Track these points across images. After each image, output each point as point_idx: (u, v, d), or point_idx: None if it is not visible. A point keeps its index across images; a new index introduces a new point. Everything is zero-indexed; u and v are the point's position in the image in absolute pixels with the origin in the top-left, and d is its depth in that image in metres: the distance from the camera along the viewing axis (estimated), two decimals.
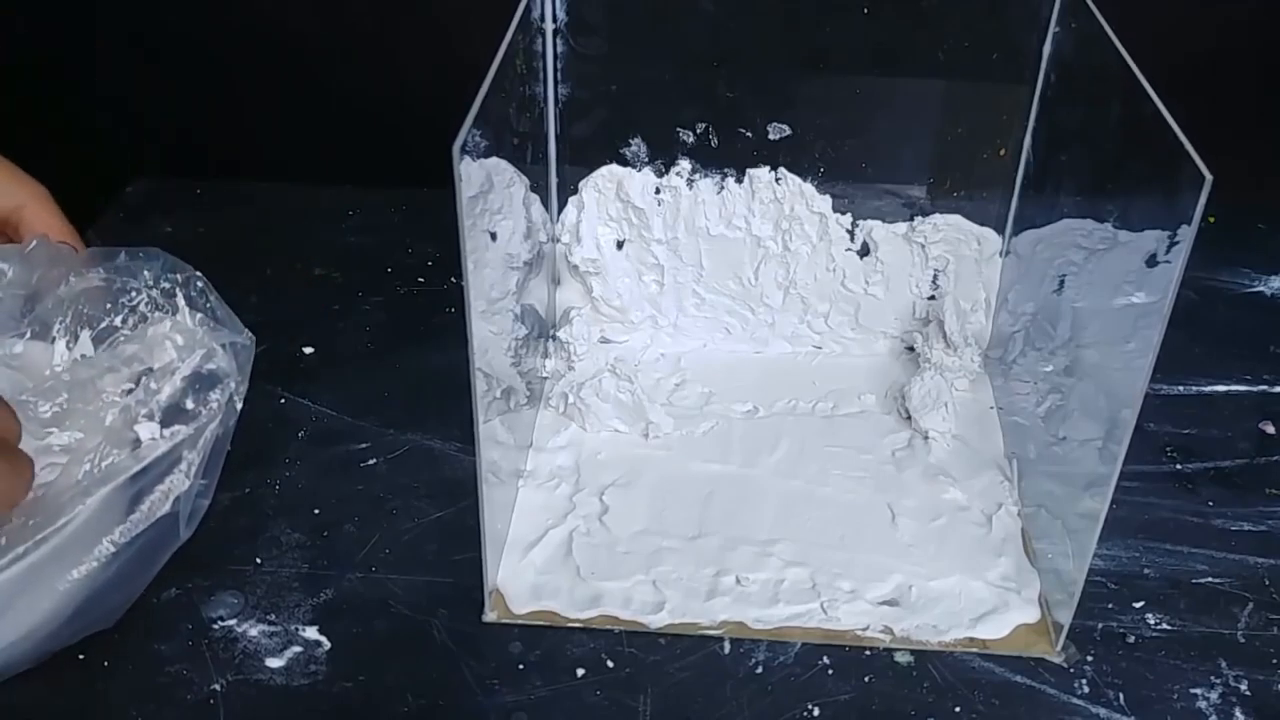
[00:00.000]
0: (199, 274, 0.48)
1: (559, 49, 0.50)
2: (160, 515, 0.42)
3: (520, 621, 0.44)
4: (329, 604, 0.45)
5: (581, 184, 0.54)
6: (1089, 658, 0.43)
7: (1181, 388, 0.56)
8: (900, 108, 0.54)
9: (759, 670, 0.42)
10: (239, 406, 0.45)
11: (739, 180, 0.54)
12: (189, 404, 0.44)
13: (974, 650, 0.43)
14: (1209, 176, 0.32)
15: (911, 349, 0.57)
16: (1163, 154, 0.35)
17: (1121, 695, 0.41)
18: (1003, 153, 0.53)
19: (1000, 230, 0.55)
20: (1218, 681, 0.42)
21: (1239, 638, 0.44)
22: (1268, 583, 0.46)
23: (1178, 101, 0.36)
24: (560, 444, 0.52)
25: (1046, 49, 0.49)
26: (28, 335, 0.48)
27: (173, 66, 0.77)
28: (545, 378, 0.55)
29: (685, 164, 0.53)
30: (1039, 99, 0.51)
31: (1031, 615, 0.44)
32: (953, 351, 0.55)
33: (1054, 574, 0.45)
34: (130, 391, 0.44)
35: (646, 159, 0.54)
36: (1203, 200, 0.32)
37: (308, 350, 0.58)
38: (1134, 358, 0.38)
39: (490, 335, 0.44)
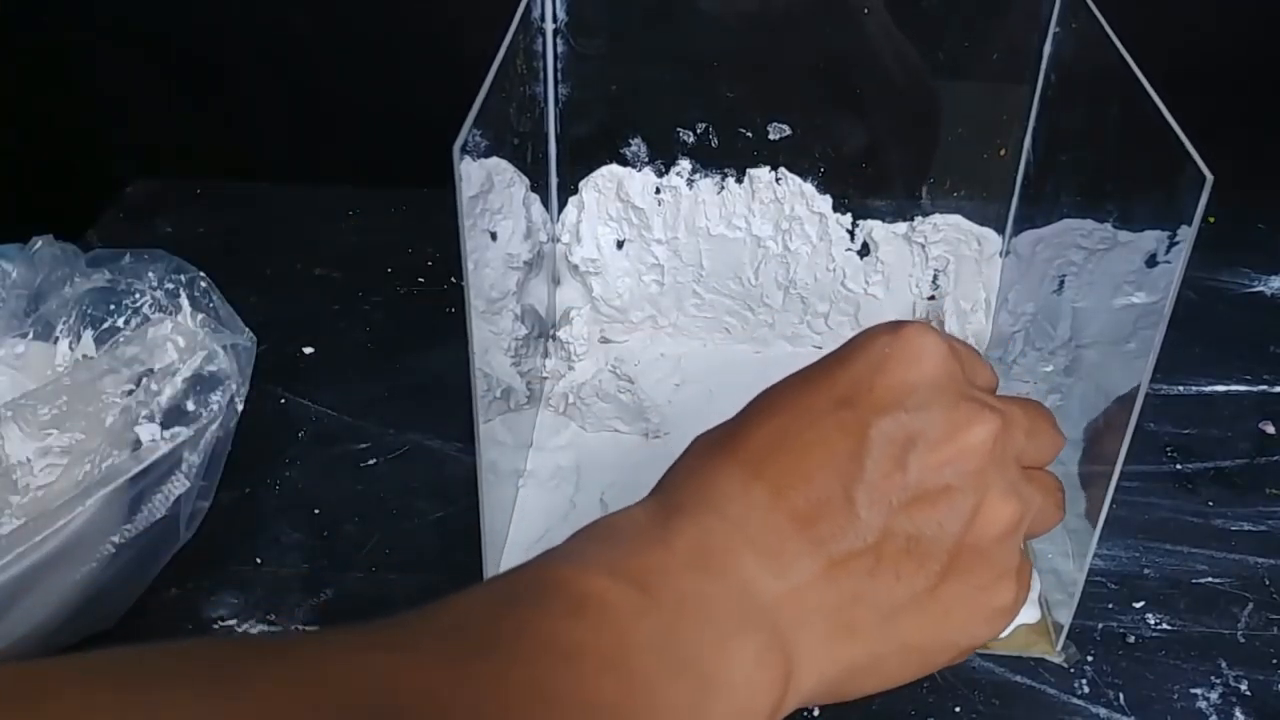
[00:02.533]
0: (202, 275, 0.48)
1: (559, 49, 0.50)
2: (160, 516, 0.42)
3: None
4: (329, 604, 0.45)
5: (581, 184, 0.54)
6: (1089, 658, 0.43)
7: (1181, 388, 0.56)
8: (901, 108, 0.54)
9: None
10: (240, 408, 0.45)
11: (739, 180, 0.54)
12: (190, 406, 0.44)
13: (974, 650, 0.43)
14: (1209, 176, 0.32)
15: None
16: (1163, 154, 0.35)
17: (1121, 695, 0.41)
18: (1003, 153, 0.53)
19: (1000, 230, 0.55)
20: (1218, 681, 0.42)
21: (1239, 638, 0.44)
22: (1268, 583, 0.46)
23: (1178, 101, 0.36)
24: (560, 444, 0.52)
25: (1047, 49, 0.49)
26: (30, 335, 0.48)
27: (173, 66, 0.77)
28: (545, 378, 0.55)
29: (685, 164, 0.53)
30: (1039, 99, 0.51)
31: (1031, 615, 0.44)
32: None
33: (1054, 574, 0.44)
34: (131, 393, 0.44)
35: (647, 159, 0.54)
36: (1203, 200, 0.32)
37: (308, 350, 0.58)
38: (1134, 358, 0.38)
39: (490, 335, 0.44)
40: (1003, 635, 0.43)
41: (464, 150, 0.34)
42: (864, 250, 0.55)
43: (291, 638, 0.23)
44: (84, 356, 0.47)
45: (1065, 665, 0.43)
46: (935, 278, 0.56)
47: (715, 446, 0.32)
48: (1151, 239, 0.37)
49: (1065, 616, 0.42)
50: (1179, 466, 0.52)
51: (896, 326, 0.33)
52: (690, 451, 0.33)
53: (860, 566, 0.30)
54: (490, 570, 0.44)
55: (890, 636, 0.31)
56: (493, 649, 0.25)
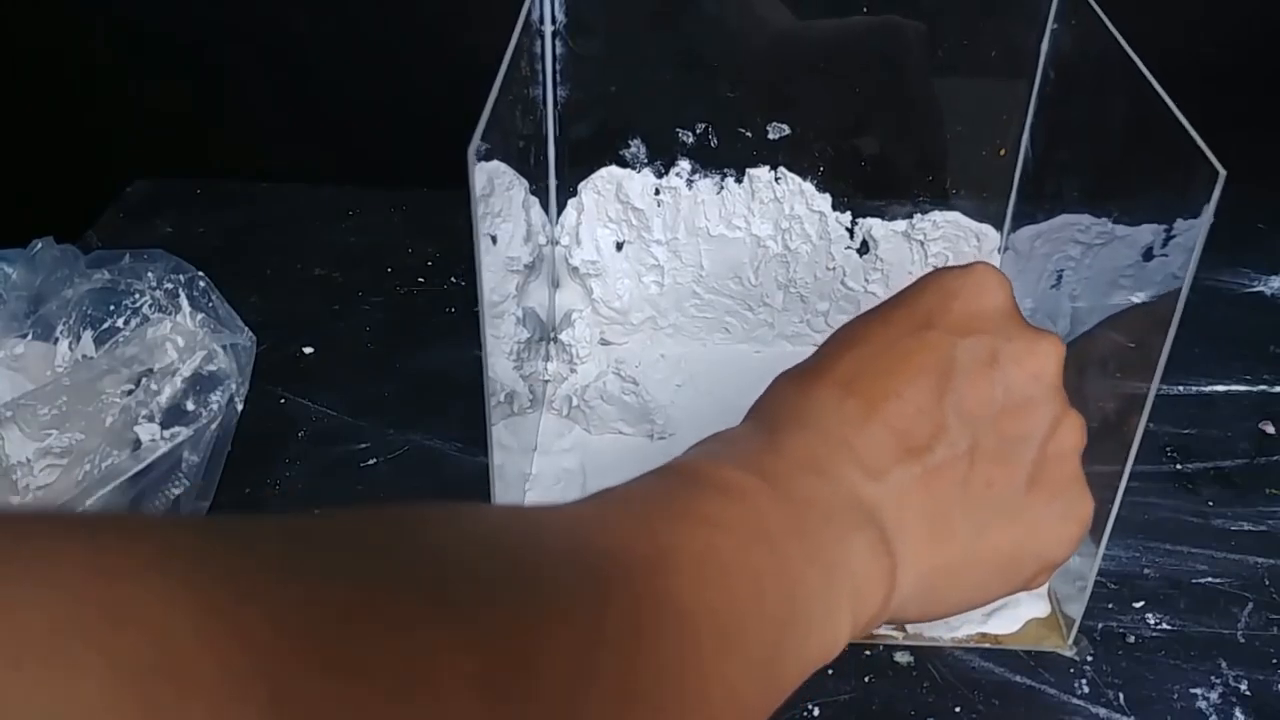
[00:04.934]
0: (201, 274, 0.48)
1: (558, 51, 0.50)
2: None
3: None
4: None
5: (581, 186, 0.54)
6: (1089, 657, 0.43)
7: (1181, 388, 0.56)
8: (899, 106, 0.54)
9: None
10: (239, 407, 0.45)
11: (739, 180, 0.54)
12: (189, 405, 0.44)
13: (980, 647, 0.43)
14: (1222, 171, 0.32)
15: None
16: (1170, 150, 0.34)
17: (1121, 695, 0.41)
18: (1002, 152, 0.53)
19: (999, 227, 0.55)
20: (1218, 681, 0.42)
21: (1239, 638, 0.44)
22: (1268, 583, 0.46)
23: (1175, 100, 0.36)
24: (565, 447, 0.52)
25: (1044, 46, 0.49)
26: (30, 336, 0.48)
27: (173, 66, 0.77)
28: (547, 381, 0.55)
29: (685, 164, 0.53)
30: (1037, 96, 0.51)
31: (1042, 609, 0.44)
32: None
33: (1063, 568, 0.44)
34: (131, 393, 0.44)
35: (646, 160, 0.54)
36: (1216, 195, 0.32)
37: (308, 350, 0.58)
38: (1136, 355, 0.38)
39: (492, 339, 0.44)
40: (1013, 630, 0.44)
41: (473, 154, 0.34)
42: (863, 248, 0.55)
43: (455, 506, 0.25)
44: (84, 357, 0.47)
45: (1077, 658, 0.42)
46: None
47: (803, 376, 0.34)
48: (1149, 233, 0.37)
49: (1076, 611, 0.42)
50: (1179, 466, 0.52)
51: (964, 265, 0.35)
52: (776, 385, 0.35)
53: (954, 473, 0.32)
54: None
55: (983, 543, 0.33)
56: (664, 518, 0.27)
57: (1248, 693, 0.42)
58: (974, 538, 0.33)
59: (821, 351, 0.35)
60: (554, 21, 0.49)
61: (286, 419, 0.54)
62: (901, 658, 0.43)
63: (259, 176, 0.74)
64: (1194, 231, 0.34)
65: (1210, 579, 0.46)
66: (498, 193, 0.43)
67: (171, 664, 0.15)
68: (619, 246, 0.56)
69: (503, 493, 0.45)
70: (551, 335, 0.56)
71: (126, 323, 0.48)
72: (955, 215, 0.55)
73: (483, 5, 0.65)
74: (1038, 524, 0.34)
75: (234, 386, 0.45)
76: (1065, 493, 0.34)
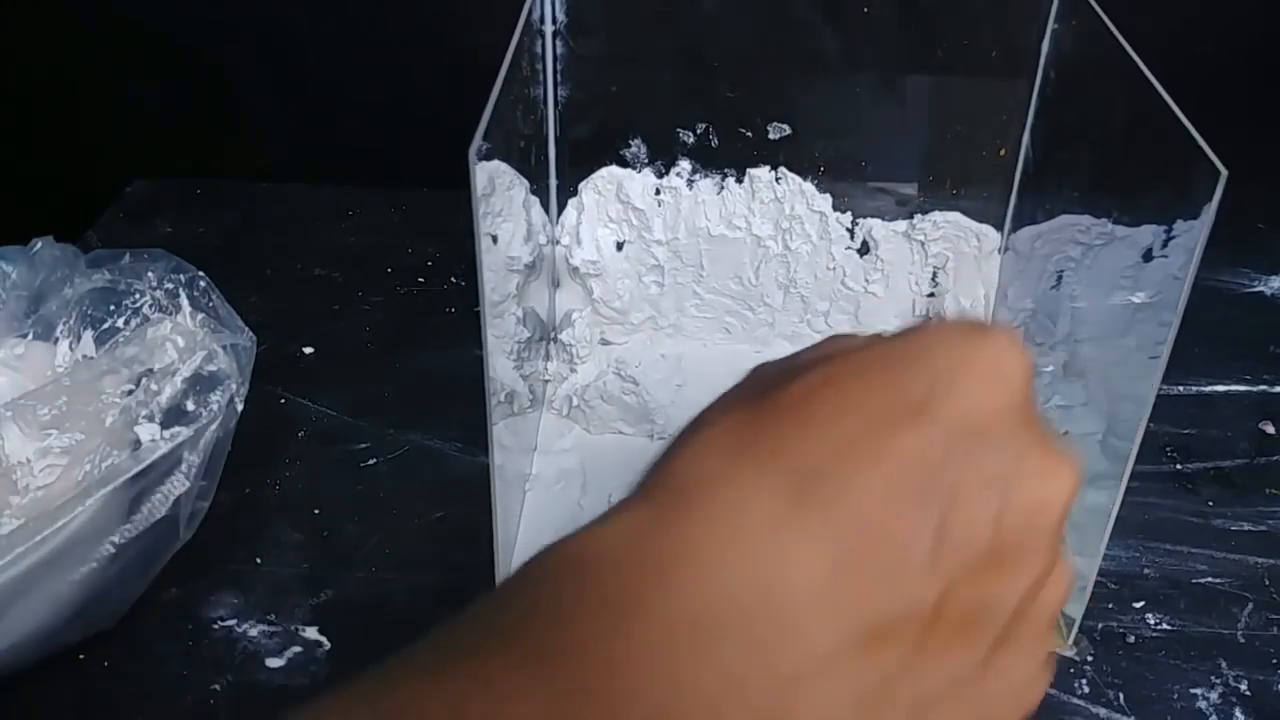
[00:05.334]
0: (202, 274, 0.48)
1: (559, 50, 0.50)
2: (160, 516, 0.42)
3: None
4: (329, 604, 0.45)
5: (581, 186, 0.54)
6: (1089, 657, 0.43)
7: (1181, 388, 0.56)
8: (899, 106, 0.54)
9: None
10: (239, 407, 0.45)
11: (739, 180, 0.54)
12: (190, 405, 0.44)
13: None
14: (1224, 171, 0.32)
15: None
16: (1171, 150, 0.34)
17: (1121, 695, 0.41)
18: (1003, 153, 0.53)
19: (999, 227, 0.55)
20: (1218, 681, 0.42)
21: (1239, 638, 0.44)
22: (1268, 583, 0.46)
23: (1176, 100, 0.36)
24: (565, 447, 0.52)
25: (1045, 46, 0.49)
26: (30, 336, 0.48)
27: (172, 66, 0.77)
28: (547, 380, 0.55)
29: (685, 165, 0.53)
30: (1038, 96, 0.51)
31: None
32: None
33: None
34: (131, 393, 0.44)
35: (646, 160, 0.54)
36: (1218, 194, 0.32)
37: (308, 350, 0.58)
38: (1135, 354, 0.38)
39: (493, 339, 0.44)
40: None
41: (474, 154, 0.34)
42: (864, 248, 0.55)
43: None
44: (84, 357, 0.47)
45: (1077, 658, 0.42)
46: (935, 275, 0.56)
47: (748, 440, 0.25)
48: (1149, 234, 0.37)
49: (1077, 611, 0.42)
50: (1179, 466, 0.52)
51: (979, 330, 0.25)
52: (699, 438, 0.26)
53: (904, 637, 0.23)
54: (502, 575, 0.44)
55: None
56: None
57: (1248, 693, 0.42)
58: None
59: (786, 402, 0.25)
60: (554, 21, 0.49)
61: (286, 419, 0.54)
62: None
63: (259, 176, 0.74)
64: (1195, 232, 0.34)
65: (1210, 579, 0.46)
66: (498, 192, 0.43)
67: None
68: (619, 246, 0.56)
69: (503, 492, 0.45)
70: (552, 335, 0.56)
71: (127, 323, 0.48)
72: (955, 215, 0.55)
73: (483, 5, 0.65)
74: (988, 699, 0.25)
75: (234, 386, 0.45)
76: (1028, 658, 0.25)
